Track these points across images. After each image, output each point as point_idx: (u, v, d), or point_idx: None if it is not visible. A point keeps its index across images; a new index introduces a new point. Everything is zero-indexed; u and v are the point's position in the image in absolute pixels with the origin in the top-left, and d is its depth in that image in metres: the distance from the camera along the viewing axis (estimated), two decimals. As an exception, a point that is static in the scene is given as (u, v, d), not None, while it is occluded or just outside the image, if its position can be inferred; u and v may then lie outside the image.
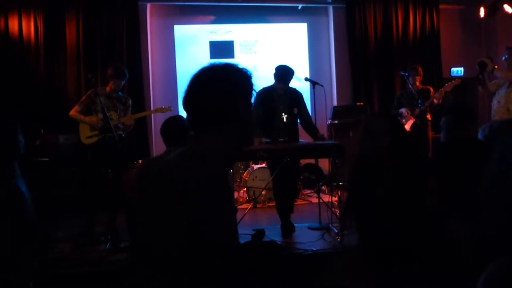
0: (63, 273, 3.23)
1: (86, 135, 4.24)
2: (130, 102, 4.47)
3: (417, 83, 5.42)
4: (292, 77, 4.28)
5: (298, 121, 4.42)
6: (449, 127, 2.92)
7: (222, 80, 1.20)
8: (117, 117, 4.25)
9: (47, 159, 5.35)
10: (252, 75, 1.25)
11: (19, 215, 1.50)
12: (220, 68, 1.22)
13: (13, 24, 6.23)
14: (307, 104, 4.50)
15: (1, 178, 1.54)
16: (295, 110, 4.28)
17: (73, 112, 4.25)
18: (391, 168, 1.80)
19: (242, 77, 1.23)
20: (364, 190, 1.83)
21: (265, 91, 4.35)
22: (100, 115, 4.15)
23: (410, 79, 5.40)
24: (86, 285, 3.17)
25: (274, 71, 4.28)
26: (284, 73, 4.22)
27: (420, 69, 5.49)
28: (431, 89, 5.44)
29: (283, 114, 4.28)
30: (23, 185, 1.59)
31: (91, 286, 3.16)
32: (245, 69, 1.24)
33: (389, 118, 1.93)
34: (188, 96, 1.20)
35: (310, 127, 4.42)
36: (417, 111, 5.25)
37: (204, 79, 1.20)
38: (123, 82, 4.34)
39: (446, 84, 5.26)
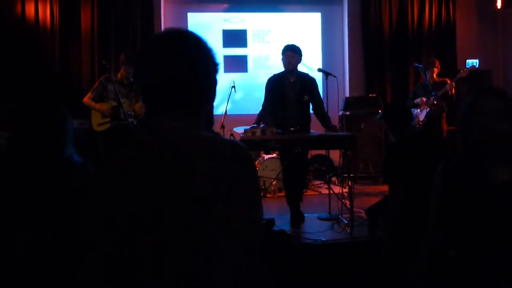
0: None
1: (98, 122, 4.29)
2: None
3: (434, 76, 5.35)
4: (300, 51, 4.14)
5: (311, 109, 4.33)
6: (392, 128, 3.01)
7: (199, 49, 1.04)
8: (129, 104, 4.28)
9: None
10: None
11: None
12: (190, 36, 1.05)
13: (30, 9, 6.29)
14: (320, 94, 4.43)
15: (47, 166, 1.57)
16: (305, 97, 4.16)
17: (86, 99, 4.29)
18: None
19: (208, 46, 1.06)
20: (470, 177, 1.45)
21: (276, 78, 4.25)
22: (112, 102, 4.19)
23: (427, 72, 5.34)
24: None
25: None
26: (290, 44, 4.13)
27: (437, 62, 5.43)
28: (448, 81, 5.36)
29: (293, 102, 4.16)
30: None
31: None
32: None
33: (508, 100, 1.45)
34: (163, 64, 0.98)
35: (322, 115, 4.30)
36: (431, 100, 5.19)
37: (179, 48, 1.01)
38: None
39: (461, 71, 5.16)
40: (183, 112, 0.99)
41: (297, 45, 4.18)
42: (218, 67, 1.06)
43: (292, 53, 4.10)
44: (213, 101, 1.09)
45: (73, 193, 1.46)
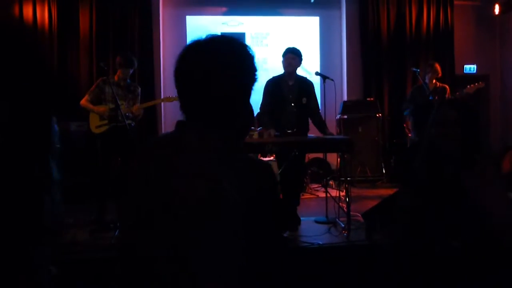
0: (73, 258, 3.30)
1: (96, 125, 4.28)
2: (139, 90, 4.46)
3: (434, 80, 5.30)
4: (301, 55, 4.21)
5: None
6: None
7: (247, 59, 0.99)
8: (126, 106, 4.27)
9: (58, 146, 5.40)
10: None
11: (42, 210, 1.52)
12: (241, 44, 1.01)
13: (28, 11, 6.29)
14: (317, 98, 4.45)
15: (35, 171, 1.56)
16: (304, 100, 4.19)
17: (83, 102, 4.29)
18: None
19: (253, 57, 1.02)
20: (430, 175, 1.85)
21: (274, 80, 4.27)
22: (110, 104, 4.19)
23: (426, 75, 5.31)
24: (96, 270, 3.23)
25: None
26: (291, 47, 4.20)
27: (437, 65, 5.33)
28: (448, 88, 5.32)
29: (292, 105, 4.18)
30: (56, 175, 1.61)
31: (101, 271, 3.22)
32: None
33: (459, 108, 1.87)
34: (206, 73, 0.94)
35: (317, 120, 4.33)
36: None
37: (229, 54, 0.97)
38: (131, 71, 4.35)
39: (468, 86, 4.97)
40: (213, 123, 0.96)
41: (296, 47, 4.22)
42: (256, 80, 1.02)
43: (292, 55, 4.15)
44: (248, 112, 1.03)
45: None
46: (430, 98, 5.17)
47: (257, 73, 1.01)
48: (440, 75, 5.36)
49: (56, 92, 6.18)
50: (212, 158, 0.91)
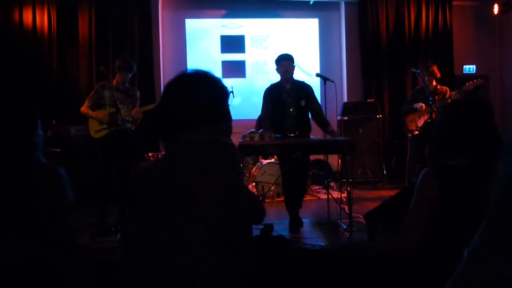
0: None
1: (95, 129, 4.28)
2: (138, 94, 4.46)
3: (434, 82, 5.25)
4: (293, 59, 4.28)
5: (310, 114, 4.38)
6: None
7: (212, 84, 1.38)
8: (125, 110, 4.27)
9: (58, 150, 5.41)
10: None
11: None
12: (204, 75, 1.38)
13: (27, 17, 6.31)
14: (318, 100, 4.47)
15: (14, 171, 1.56)
16: (303, 103, 4.24)
17: (83, 108, 4.29)
18: None
19: (219, 81, 1.40)
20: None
21: (273, 86, 4.37)
22: (109, 109, 4.20)
23: (426, 78, 5.29)
24: (97, 273, 3.22)
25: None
26: (283, 54, 4.27)
27: (434, 68, 5.27)
28: (448, 90, 5.19)
29: (291, 108, 4.24)
30: None
31: (102, 274, 3.21)
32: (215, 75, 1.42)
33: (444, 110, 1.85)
34: (181, 101, 1.33)
35: (321, 119, 4.37)
36: (431, 108, 5.09)
37: (197, 85, 1.36)
38: (130, 75, 4.35)
39: (467, 83, 4.92)
40: (203, 129, 1.32)
41: (288, 53, 4.31)
42: (229, 95, 1.44)
43: (287, 62, 4.24)
44: (228, 117, 1.42)
45: (33, 191, 1.47)
46: (430, 99, 5.14)
47: (227, 89, 1.42)
48: (438, 76, 5.32)
49: (56, 96, 6.20)
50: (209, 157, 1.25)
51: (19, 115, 1.64)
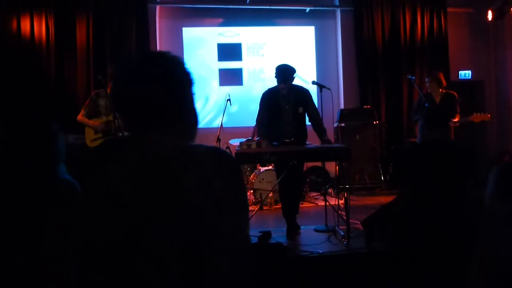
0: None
1: (91, 138, 4.31)
2: None
3: (440, 90, 5.26)
4: (293, 75, 4.18)
5: (307, 121, 4.36)
6: (423, 130, 2.98)
7: (173, 69, 1.08)
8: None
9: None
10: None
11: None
12: (163, 57, 1.09)
13: (25, 25, 6.32)
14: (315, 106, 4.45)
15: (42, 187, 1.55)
16: (300, 109, 4.22)
17: (79, 117, 4.32)
18: None
19: (183, 64, 1.11)
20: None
21: (270, 92, 4.32)
22: (104, 117, 4.22)
23: (428, 85, 5.32)
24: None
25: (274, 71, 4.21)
26: (283, 73, 4.14)
27: (440, 76, 5.26)
28: (456, 94, 5.23)
29: (288, 114, 4.20)
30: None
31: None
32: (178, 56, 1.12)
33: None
34: (135, 90, 1.03)
35: (317, 125, 4.33)
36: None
37: (153, 70, 1.05)
38: None
39: (474, 114, 5.13)
40: (165, 126, 1.05)
41: (287, 69, 4.17)
42: (192, 82, 1.11)
43: (284, 85, 4.13)
44: (193, 113, 1.13)
45: (58, 213, 1.46)
46: (426, 105, 5.15)
47: (191, 76, 1.11)
48: (444, 84, 5.31)
49: (54, 104, 6.20)
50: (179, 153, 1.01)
51: (46, 134, 1.63)
